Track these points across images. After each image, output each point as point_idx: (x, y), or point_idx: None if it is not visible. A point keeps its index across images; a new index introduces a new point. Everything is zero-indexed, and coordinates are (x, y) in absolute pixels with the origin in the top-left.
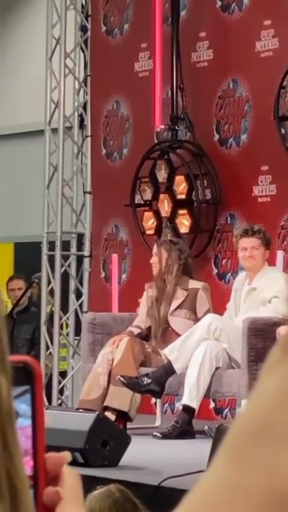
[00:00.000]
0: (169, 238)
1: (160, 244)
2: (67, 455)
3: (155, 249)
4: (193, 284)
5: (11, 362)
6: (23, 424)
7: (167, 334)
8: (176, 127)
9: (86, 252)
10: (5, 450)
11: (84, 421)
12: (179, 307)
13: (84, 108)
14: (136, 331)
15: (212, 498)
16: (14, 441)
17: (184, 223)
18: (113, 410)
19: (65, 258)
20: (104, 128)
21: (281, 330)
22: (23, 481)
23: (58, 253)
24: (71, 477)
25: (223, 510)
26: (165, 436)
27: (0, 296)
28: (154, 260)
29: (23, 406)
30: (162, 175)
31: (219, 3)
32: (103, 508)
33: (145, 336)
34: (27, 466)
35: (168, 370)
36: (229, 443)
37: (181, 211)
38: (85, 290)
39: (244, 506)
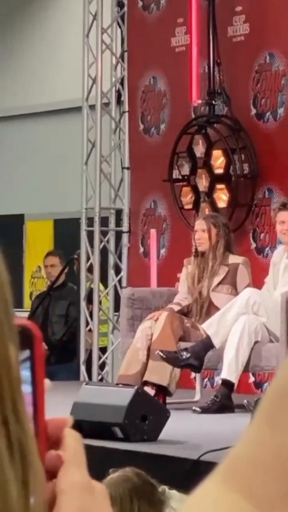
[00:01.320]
0: (210, 213)
1: (207, 219)
2: (68, 419)
3: (202, 225)
4: (233, 259)
5: None
6: (25, 391)
7: (209, 310)
8: (213, 102)
9: (124, 228)
10: (16, 420)
11: (123, 396)
12: (220, 283)
13: (122, 83)
14: (177, 308)
15: (247, 462)
16: (24, 409)
17: (222, 197)
18: (153, 384)
19: (104, 234)
20: (141, 103)
21: None
22: (32, 448)
23: (97, 229)
24: (73, 440)
25: (259, 473)
26: (205, 410)
27: None
28: (201, 236)
29: (25, 373)
30: (199, 150)
31: None
32: (122, 494)
33: (186, 313)
34: None
35: (207, 344)
36: (261, 408)
37: (219, 186)
38: (124, 266)
39: (278, 467)
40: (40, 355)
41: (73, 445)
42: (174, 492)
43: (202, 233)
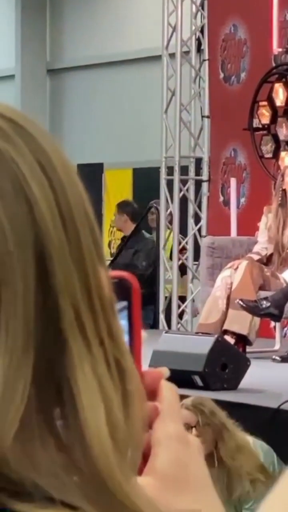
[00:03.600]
0: None
1: None
2: (165, 370)
3: None
4: None
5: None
6: None
7: None
8: None
9: (204, 177)
10: (111, 339)
11: (203, 345)
12: None
13: (202, 32)
14: (256, 257)
15: None
16: (120, 331)
17: None
18: (232, 333)
19: (183, 182)
20: (221, 51)
21: None
22: (132, 370)
23: (176, 177)
24: (169, 391)
25: None
26: (284, 359)
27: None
28: None
29: (123, 323)
30: (280, 98)
31: None
32: None
33: (265, 263)
34: None
35: (287, 293)
36: None
37: None
38: (203, 215)
39: None
40: (137, 305)
41: (169, 397)
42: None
43: None
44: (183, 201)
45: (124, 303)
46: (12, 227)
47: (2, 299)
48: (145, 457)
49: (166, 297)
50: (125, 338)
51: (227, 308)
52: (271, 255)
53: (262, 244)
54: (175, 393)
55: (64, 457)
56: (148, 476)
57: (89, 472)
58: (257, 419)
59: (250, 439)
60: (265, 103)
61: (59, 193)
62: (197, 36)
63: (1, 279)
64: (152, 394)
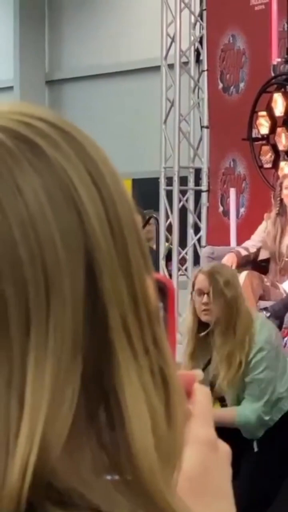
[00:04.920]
0: None
1: None
2: (199, 373)
3: None
4: None
5: None
6: None
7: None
8: None
9: (204, 187)
10: (156, 347)
11: None
12: None
13: (200, 42)
14: (243, 252)
15: None
16: (164, 340)
17: None
18: None
19: (183, 193)
20: (220, 62)
21: None
22: (175, 379)
23: (176, 188)
24: (202, 395)
25: None
26: None
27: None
28: None
29: None
30: (279, 108)
31: None
32: None
33: (252, 260)
34: None
35: (287, 303)
36: None
37: None
38: (203, 225)
39: None
40: (172, 308)
41: (202, 401)
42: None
43: None
44: (183, 211)
45: (159, 305)
46: (62, 235)
47: (51, 306)
48: None
49: None
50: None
51: None
52: (269, 262)
53: (253, 242)
54: (208, 396)
55: (110, 465)
56: None
57: (134, 482)
58: None
59: (261, 316)
60: (264, 113)
61: (108, 203)
62: (196, 47)
63: (51, 287)
64: (186, 396)
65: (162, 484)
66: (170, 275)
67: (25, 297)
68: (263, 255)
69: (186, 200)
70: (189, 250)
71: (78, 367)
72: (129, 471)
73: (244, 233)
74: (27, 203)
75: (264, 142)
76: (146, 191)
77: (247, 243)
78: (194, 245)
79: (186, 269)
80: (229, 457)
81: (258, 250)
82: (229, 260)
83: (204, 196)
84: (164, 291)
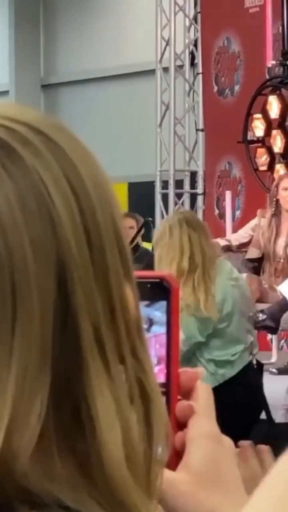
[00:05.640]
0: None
1: None
2: (201, 370)
3: None
4: None
5: (149, 277)
6: (158, 332)
7: (284, 269)
8: None
9: (199, 190)
10: (134, 359)
11: None
12: None
13: (195, 45)
14: (223, 242)
15: None
16: (144, 351)
17: None
18: None
19: (178, 196)
20: (215, 65)
21: None
22: (154, 390)
23: (171, 191)
24: (204, 391)
25: None
26: (281, 372)
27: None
28: None
29: (157, 314)
30: (274, 111)
31: None
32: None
33: (258, 272)
34: (161, 373)
35: (284, 305)
36: None
37: None
38: None
39: None
40: (176, 306)
41: (205, 397)
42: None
43: None
44: None
45: (162, 303)
46: (33, 244)
47: (17, 316)
48: (180, 454)
49: None
50: (162, 330)
51: None
52: (259, 261)
53: (237, 236)
54: (210, 393)
55: (82, 473)
56: (182, 471)
57: (106, 491)
58: (254, 431)
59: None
60: (259, 115)
61: (86, 212)
62: (190, 50)
63: (18, 296)
64: (188, 393)
65: (133, 493)
66: None
67: None
68: (252, 254)
69: (182, 203)
70: None
71: (47, 378)
72: (100, 480)
73: None
74: None
75: (259, 144)
76: (142, 195)
77: (231, 236)
78: None
79: None
80: (234, 450)
81: (241, 244)
82: None
83: (199, 199)
84: (168, 289)
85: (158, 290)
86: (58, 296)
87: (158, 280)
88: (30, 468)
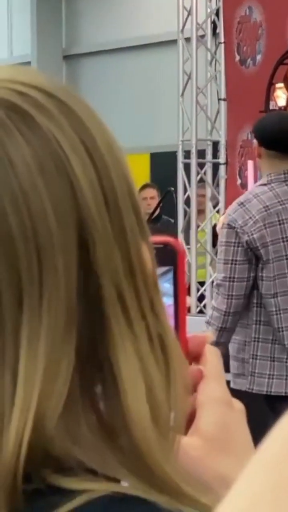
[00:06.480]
0: None
1: None
2: (209, 335)
3: None
4: None
5: (153, 243)
6: (166, 303)
7: None
8: None
9: (221, 160)
10: (154, 316)
11: None
12: None
13: (217, 14)
14: None
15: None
16: (161, 307)
17: None
18: None
19: (200, 166)
20: (237, 34)
21: None
22: (172, 342)
23: (193, 161)
24: (213, 355)
25: None
26: None
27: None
28: None
29: (166, 285)
30: None
31: None
32: None
33: None
34: None
35: None
36: None
37: None
38: (221, 198)
39: None
40: (182, 270)
41: (213, 361)
42: None
43: None
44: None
45: (169, 268)
46: (54, 208)
47: (44, 281)
48: (190, 419)
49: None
50: (169, 301)
51: None
52: None
53: None
54: (219, 357)
55: (106, 435)
56: (192, 436)
57: (130, 449)
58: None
59: None
60: (281, 85)
61: (101, 173)
62: (212, 19)
63: (43, 261)
64: (197, 358)
65: (158, 452)
66: (189, 249)
67: (17, 273)
68: None
69: (204, 173)
70: (207, 223)
71: (72, 340)
72: (125, 440)
73: None
74: (19, 175)
75: None
76: (164, 165)
77: None
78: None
79: (204, 242)
80: (244, 414)
81: None
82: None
83: (222, 168)
84: (173, 253)
85: (163, 255)
86: (80, 257)
87: (162, 245)
88: (56, 433)
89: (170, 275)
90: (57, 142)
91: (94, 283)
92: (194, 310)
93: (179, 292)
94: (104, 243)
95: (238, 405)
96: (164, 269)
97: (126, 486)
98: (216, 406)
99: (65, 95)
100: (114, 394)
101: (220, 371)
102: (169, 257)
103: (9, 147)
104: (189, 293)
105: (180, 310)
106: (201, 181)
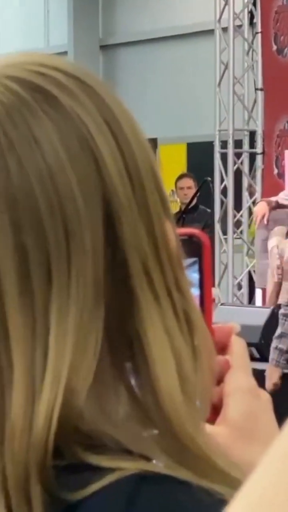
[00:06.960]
0: None
1: None
2: (235, 325)
3: None
4: None
5: (179, 234)
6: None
7: None
8: None
9: (258, 149)
10: (179, 292)
11: (259, 316)
12: None
13: (254, 4)
14: (273, 200)
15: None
16: (186, 283)
17: None
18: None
19: (237, 156)
20: (274, 24)
21: None
22: (197, 317)
23: (230, 151)
24: (239, 346)
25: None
26: None
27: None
28: None
29: (194, 275)
30: None
31: None
32: None
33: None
34: None
35: None
36: None
37: None
38: (258, 187)
39: None
40: (208, 262)
41: (240, 351)
42: None
43: None
44: (238, 174)
45: (194, 259)
46: (80, 185)
47: (72, 256)
48: (217, 409)
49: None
50: (196, 292)
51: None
52: None
53: (284, 195)
54: (245, 347)
55: (137, 409)
56: (220, 425)
57: (161, 424)
58: None
59: None
60: None
61: (125, 152)
62: (249, 9)
63: (71, 237)
64: (223, 348)
65: (190, 425)
66: (226, 238)
67: (46, 248)
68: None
69: (241, 163)
70: (244, 212)
71: (101, 315)
72: (155, 414)
73: None
74: (44, 154)
75: None
76: (201, 155)
77: (280, 194)
78: (249, 208)
79: (241, 232)
80: (271, 404)
81: None
82: (261, 210)
83: (259, 158)
84: (199, 245)
85: (189, 247)
86: (106, 234)
87: (187, 237)
88: (86, 407)
89: (195, 267)
90: (81, 121)
91: (120, 258)
92: (230, 299)
93: (204, 284)
94: (129, 220)
95: (265, 395)
96: (189, 261)
97: (158, 464)
98: (243, 396)
99: (84, 76)
100: (144, 368)
101: (247, 362)
102: (194, 248)
103: (34, 127)
104: (226, 283)
105: (206, 301)
106: (238, 171)
